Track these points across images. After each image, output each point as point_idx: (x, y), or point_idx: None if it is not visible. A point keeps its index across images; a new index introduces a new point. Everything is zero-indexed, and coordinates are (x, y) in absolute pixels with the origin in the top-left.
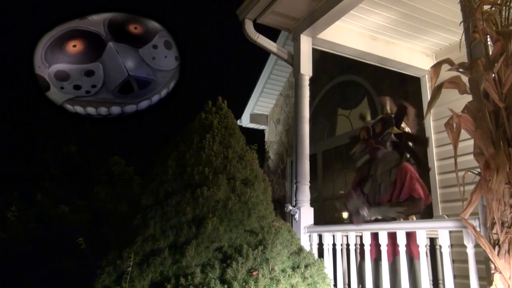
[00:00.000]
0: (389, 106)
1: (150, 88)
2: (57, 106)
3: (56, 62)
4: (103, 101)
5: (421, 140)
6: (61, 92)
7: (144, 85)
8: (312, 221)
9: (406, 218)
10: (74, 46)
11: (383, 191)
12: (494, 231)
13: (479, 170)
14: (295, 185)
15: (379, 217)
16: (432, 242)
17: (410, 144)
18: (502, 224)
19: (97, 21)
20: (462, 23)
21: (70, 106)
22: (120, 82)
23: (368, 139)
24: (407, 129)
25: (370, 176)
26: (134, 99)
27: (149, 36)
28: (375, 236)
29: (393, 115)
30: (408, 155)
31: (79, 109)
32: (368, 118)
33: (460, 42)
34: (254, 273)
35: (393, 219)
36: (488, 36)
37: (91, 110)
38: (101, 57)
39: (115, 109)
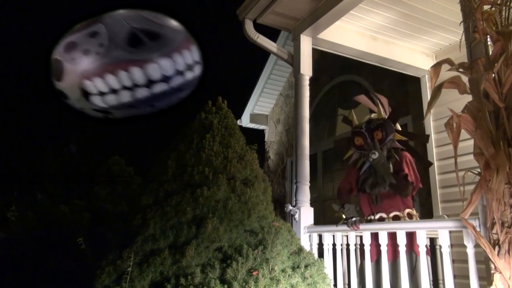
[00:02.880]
0: (385, 108)
1: (162, 42)
2: (78, 109)
3: (64, 40)
4: (118, 61)
5: (422, 138)
6: (74, 64)
7: (153, 36)
8: (312, 221)
9: (399, 215)
10: (80, 24)
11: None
12: (494, 231)
13: (479, 170)
14: (295, 185)
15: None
16: (432, 242)
17: (410, 143)
18: (502, 224)
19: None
20: (462, 23)
21: (89, 81)
22: (126, 35)
23: (365, 145)
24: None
25: (371, 175)
26: (150, 53)
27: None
28: (375, 236)
29: (388, 119)
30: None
31: (99, 84)
32: (355, 120)
33: (460, 42)
34: (254, 273)
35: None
36: (488, 36)
37: (111, 80)
38: (102, 19)
39: (137, 72)
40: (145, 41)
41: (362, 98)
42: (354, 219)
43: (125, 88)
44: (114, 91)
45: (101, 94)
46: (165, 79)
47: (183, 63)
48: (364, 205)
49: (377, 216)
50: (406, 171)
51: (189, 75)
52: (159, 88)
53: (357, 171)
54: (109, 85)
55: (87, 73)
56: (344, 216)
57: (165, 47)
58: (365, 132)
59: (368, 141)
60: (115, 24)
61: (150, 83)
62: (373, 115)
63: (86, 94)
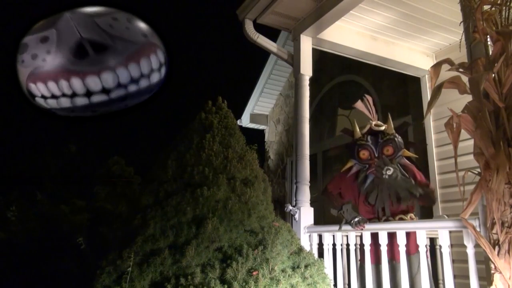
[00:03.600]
0: (371, 106)
1: (108, 54)
2: (33, 104)
3: (23, 38)
4: (60, 70)
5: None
6: (23, 66)
7: (100, 49)
8: (312, 221)
9: (403, 217)
10: (39, 22)
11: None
12: (494, 231)
13: (479, 170)
14: (295, 185)
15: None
16: (432, 242)
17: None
18: (502, 224)
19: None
20: (462, 23)
21: (33, 85)
22: (73, 45)
23: (372, 160)
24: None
25: (376, 186)
26: (92, 66)
27: (110, 11)
28: (375, 236)
29: (396, 135)
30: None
31: (42, 88)
32: (357, 131)
33: (460, 42)
34: (254, 273)
35: (412, 196)
36: (488, 36)
37: (52, 86)
38: (56, 24)
39: (76, 83)
40: (90, 53)
41: (359, 105)
42: (357, 219)
43: (65, 95)
44: (54, 97)
45: (44, 97)
46: (105, 91)
47: (127, 77)
48: (363, 213)
49: (382, 219)
50: (422, 179)
51: (132, 88)
52: (98, 98)
53: (355, 182)
54: (50, 91)
55: (32, 77)
56: (344, 217)
57: (110, 61)
58: (372, 145)
59: (375, 155)
60: (66, 31)
61: (89, 93)
62: (374, 124)
63: (31, 95)
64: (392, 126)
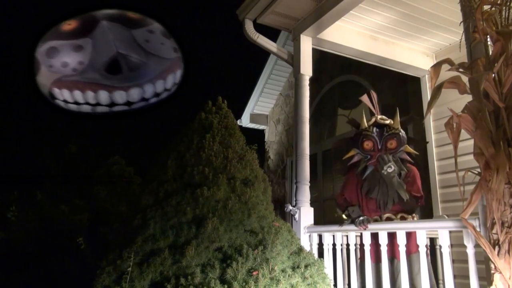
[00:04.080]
0: (375, 103)
1: (141, 72)
2: (49, 102)
3: (49, 40)
4: (90, 82)
5: (421, 143)
6: (50, 71)
7: (134, 67)
8: (312, 221)
9: (405, 216)
10: (69, 24)
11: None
12: (494, 231)
13: (479, 170)
14: (295, 185)
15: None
16: (432, 242)
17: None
18: (502, 224)
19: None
20: (462, 23)
21: (58, 90)
22: (108, 59)
23: (375, 151)
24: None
25: (378, 181)
26: (123, 82)
27: (146, 22)
28: (376, 236)
29: (401, 130)
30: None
31: (66, 94)
32: (364, 122)
33: (460, 42)
34: (254, 273)
35: (400, 199)
36: (488, 36)
37: (77, 95)
38: (92, 33)
39: (103, 95)
40: (124, 70)
41: (365, 98)
42: (361, 218)
43: (88, 104)
44: (77, 103)
45: (65, 101)
46: (129, 104)
47: (152, 92)
48: (366, 208)
49: (384, 217)
50: (418, 187)
51: (153, 100)
52: (120, 108)
53: (356, 177)
54: (74, 98)
55: (58, 83)
56: (345, 217)
57: (141, 78)
58: (376, 137)
59: (379, 148)
60: (102, 43)
61: (112, 104)
62: (379, 118)
63: (52, 97)
64: (399, 121)
